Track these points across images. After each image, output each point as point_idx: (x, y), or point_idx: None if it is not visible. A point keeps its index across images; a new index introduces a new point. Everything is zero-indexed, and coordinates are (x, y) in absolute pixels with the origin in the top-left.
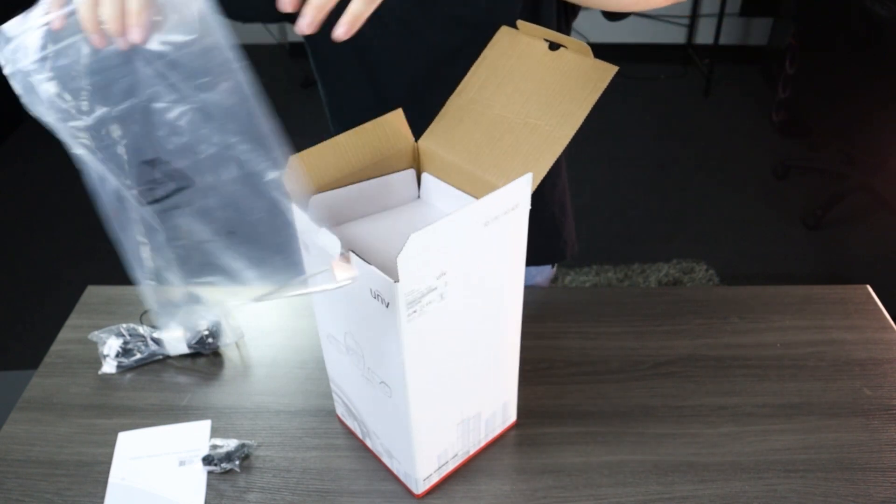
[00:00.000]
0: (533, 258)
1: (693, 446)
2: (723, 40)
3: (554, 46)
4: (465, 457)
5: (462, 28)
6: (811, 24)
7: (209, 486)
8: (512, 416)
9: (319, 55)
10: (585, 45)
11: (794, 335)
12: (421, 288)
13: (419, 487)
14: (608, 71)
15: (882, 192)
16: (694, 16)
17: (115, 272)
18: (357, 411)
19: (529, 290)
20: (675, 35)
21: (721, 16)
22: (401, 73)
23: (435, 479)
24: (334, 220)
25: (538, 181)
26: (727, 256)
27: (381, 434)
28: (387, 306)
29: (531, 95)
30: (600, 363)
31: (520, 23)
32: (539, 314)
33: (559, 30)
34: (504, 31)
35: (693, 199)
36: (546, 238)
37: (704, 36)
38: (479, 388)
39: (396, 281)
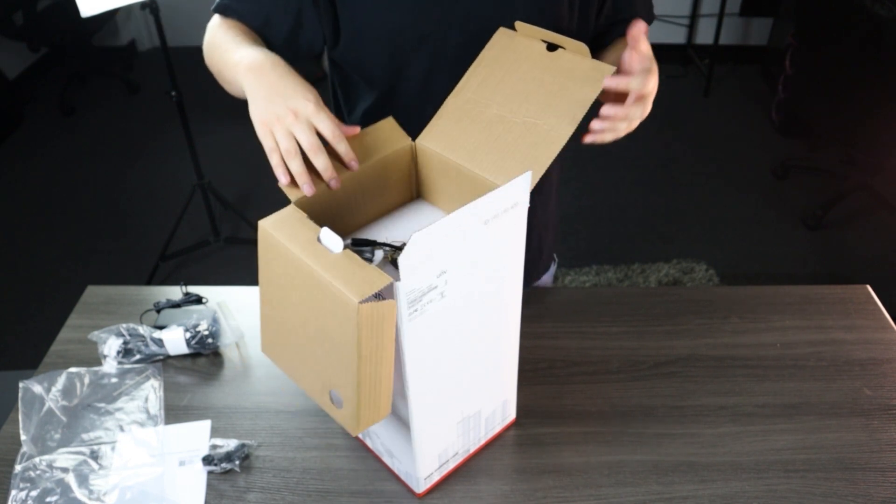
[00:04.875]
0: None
1: (693, 446)
2: (723, 40)
3: (552, 47)
4: (466, 455)
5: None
6: (811, 24)
7: (209, 486)
8: (511, 414)
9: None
10: (583, 45)
11: (794, 335)
12: (422, 286)
13: (420, 486)
14: (605, 71)
15: (882, 192)
16: (694, 16)
17: (115, 272)
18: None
19: (529, 290)
20: (675, 35)
21: (721, 16)
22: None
23: (436, 478)
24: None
25: (537, 179)
26: (727, 256)
27: (382, 433)
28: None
29: (529, 95)
30: (600, 363)
31: (518, 24)
32: (539, 314)
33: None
34: (501, 32)
35: (693, 199)
36: (529, 260)
37: (704, 36)
38: (480, 387)
39: (398, 280)
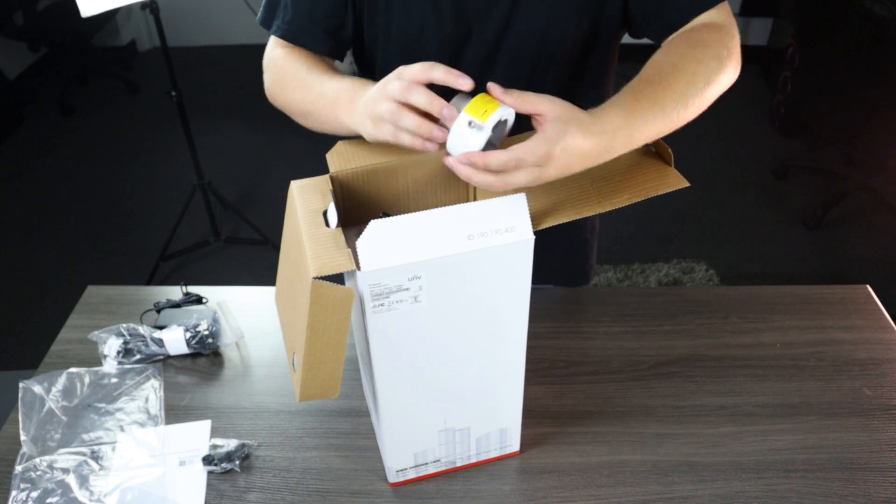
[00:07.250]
0: (560, 279)
1: (693, 446)
2: None
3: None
4: (451, 466)
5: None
6: (811, 24)
7: (209, 486)
8: (513, 446)
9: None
10: (670, 152)
11: (794, 335)
12: (389, 284)
13: (392, 477)
14: (676, 183)
15: (882, 192)
16: None
17: (115, 272)
18: (369, 392)
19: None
20: None
21: None
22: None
23: (411, 475)
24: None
25: (545, 225)
26: (727, 256)
27: (374, 416)
28: (361, 297)
29: (599, 166)
30: (600, 363)
31: None
32: (539, 314)
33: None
34: None
35: (693, 199)
36: (576, 259)
37: None
38: (468, 405)
39: (358, 269)
